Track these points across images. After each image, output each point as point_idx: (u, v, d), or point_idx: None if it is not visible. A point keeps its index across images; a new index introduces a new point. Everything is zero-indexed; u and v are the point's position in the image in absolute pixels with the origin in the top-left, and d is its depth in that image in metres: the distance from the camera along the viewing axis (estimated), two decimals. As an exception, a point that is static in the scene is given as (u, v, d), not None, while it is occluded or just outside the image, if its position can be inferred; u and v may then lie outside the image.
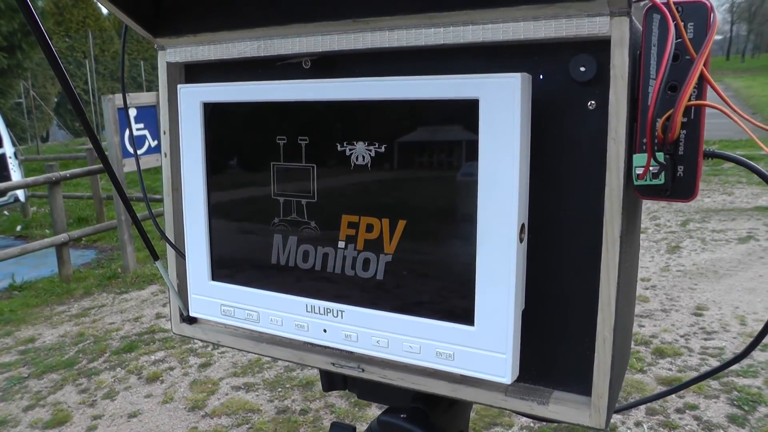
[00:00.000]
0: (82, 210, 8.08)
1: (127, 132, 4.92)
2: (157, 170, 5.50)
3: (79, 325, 4.26)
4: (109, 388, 3.29)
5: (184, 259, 0.72)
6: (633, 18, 0.49)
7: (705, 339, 3.42)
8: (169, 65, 0.72)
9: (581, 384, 0.55)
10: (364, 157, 0.59)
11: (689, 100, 0.46)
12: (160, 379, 3.35)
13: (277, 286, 0.66)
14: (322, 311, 0.63)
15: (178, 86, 0.67)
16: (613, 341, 0.52)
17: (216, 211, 0.68)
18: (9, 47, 13.26)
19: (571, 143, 0.53)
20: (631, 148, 0.50)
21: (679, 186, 0.49)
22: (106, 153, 0.72)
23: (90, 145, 9.43)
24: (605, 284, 0.51)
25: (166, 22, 0.69)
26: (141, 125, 4.99)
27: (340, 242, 0.61)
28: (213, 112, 0.66)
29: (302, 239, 0.64)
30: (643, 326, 3.61)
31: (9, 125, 9.47)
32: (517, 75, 0.50)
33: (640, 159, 0.47)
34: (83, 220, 7.51)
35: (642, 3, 0.50)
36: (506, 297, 0.53)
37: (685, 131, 0.48)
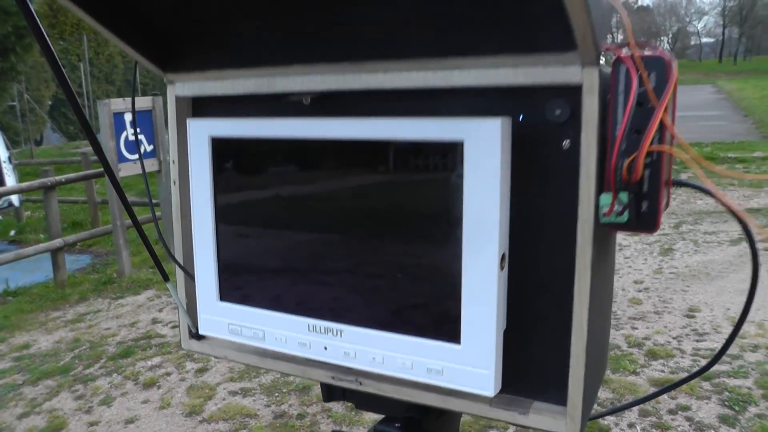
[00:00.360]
0: (77, 214, 8.07)
1: (122, 137, 4.94)
2: (152, 175, 5.51)
3: (74, 330, 4.26)
4: (106, 394, 3.30)
5: (193, 280, 0.77)
6: (603, 67, 0.54)
7: (697, 341, 3.48)
8: (178, 99, 0.77)
9: (558, 394, 0.60)
10: (361, 189, 0.64)
11: (652, 143, 0.51)
12: (157, 384, 3.37)
13: (281, 307, 0.71)
14: (323, 330, 0.68)
15: (188, 120, 0.72)
16: (585, 357, 0.57)
17: (223, 236, 0.73)
18: (2, 50, 13.20)
19: (547, 179, 0.58)
20: (601, 185, 0.55)
21: (642, 220, 0.54)
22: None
23: (85, 149, 9.39)
24: (578, 307, 0.56)
25: (175, 59, 0.74)
26: (137, 130, 5.02)
27: (342, 268, 0.67)
28: (220, 144, 0.71)
29: (305, 264, 0.69)
30: (636, 328, 3.67)
31: (3, 129, 9.45)
32: (498, 119, 0.55)
33: (606, 198, 0.53)
34: (78, 224, 7.49)
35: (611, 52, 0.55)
36: (489, 319, 0.58)
37: (648, 170, 0.53)
